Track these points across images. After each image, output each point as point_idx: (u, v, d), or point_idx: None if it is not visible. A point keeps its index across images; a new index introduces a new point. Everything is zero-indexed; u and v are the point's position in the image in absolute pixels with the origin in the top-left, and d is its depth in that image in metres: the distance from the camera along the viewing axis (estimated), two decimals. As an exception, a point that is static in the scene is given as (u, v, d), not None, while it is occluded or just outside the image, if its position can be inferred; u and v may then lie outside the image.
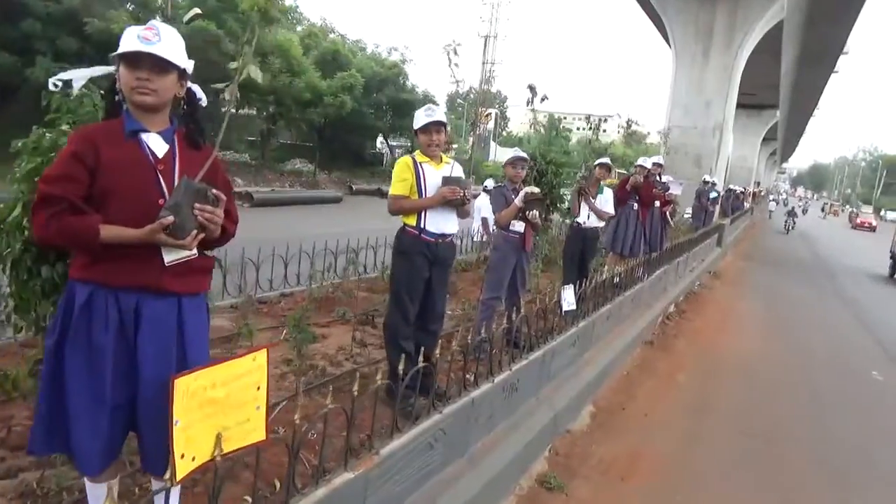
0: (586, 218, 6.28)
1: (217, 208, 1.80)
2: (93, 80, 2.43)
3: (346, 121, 28.22)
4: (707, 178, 15.09)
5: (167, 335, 1.82)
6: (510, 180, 4.78)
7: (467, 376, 3.34)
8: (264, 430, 1.82)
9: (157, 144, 1.85)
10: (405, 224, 3.57)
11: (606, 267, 6.98)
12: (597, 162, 6.51)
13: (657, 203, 8.08)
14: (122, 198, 1.76)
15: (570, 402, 4.53)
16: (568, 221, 6.45)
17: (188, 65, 1.92)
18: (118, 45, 1.75)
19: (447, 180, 3.50)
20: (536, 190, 4.59)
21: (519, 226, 4.59)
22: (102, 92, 2.17)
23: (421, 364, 2.68)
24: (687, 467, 4.22)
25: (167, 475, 1.57)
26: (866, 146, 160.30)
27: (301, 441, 1.97)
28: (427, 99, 37.15)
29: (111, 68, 1.92)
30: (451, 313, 5.51)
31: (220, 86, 1.84)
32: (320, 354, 4.04)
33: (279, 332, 4.32)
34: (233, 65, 1.79)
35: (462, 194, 3.49)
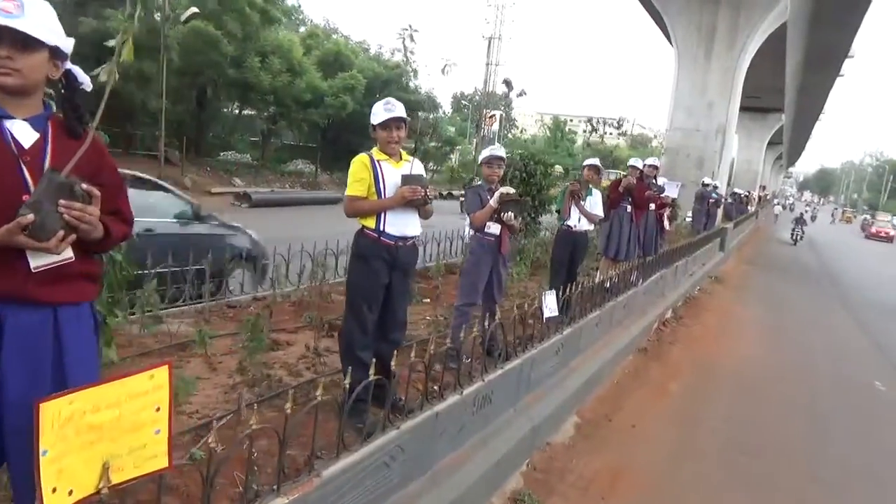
0: (576, 221, 6.06)
1: (90, 205, 1.57)
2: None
3: (349, 122, 28.07)
4: (707, 180, 14.82)
5: (39, 352, 1.59)
6: (486, 180, 4.55)
7: (434, 387, 3.15)
8: (167, 456, 1.61)
9: (23, 133, 1.63)
10: (363, 226, 3.34)
11: (599, 271, 6.77)
12: (585, 163, 6.28)
13: (652, 206, 7.85)
14: None
15: (552, 414, 4.31)
16: (557, 224, 6.21)
17: (64, 42, 1.71)
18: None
19: (407, 179, 3.28)
20: (512, 191, 4.36)
21: (494, 228, 4.36)
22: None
23: (373, 377, 2.47)
24: (672, 485, 3.99)
25: (38, 512, 1.36)
26: (873, 151, 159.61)
27: (220, 466, 1.76)
28: (430, 100, 37.08)
29: None
30: (432, 319, 5.30)
31: (99, 70, 1.62)
32: (280, 363, 3.82)
33: (242, 338, 4.12)
34: (111, 42, 1.59)
35: (423, 193, 3.27)
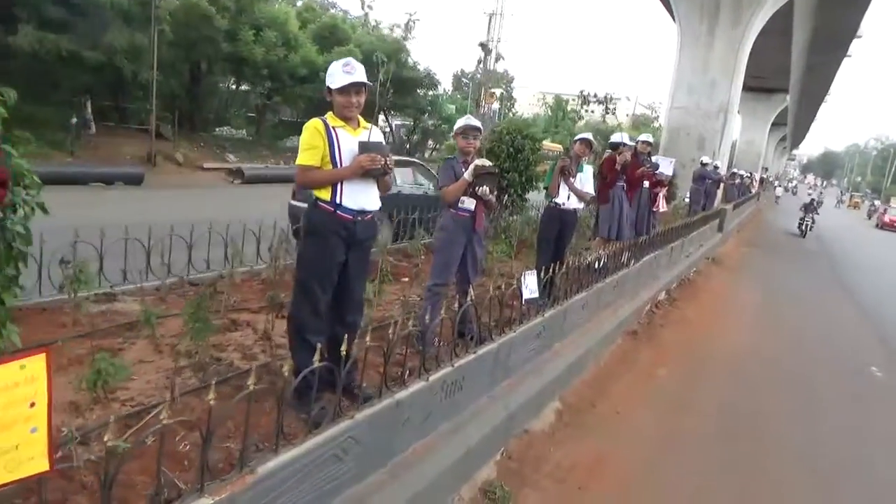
0: (566, 199, 5.80)
1: None
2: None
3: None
4: (705, 159, 14.49)
5: None
6: (461, 152, 4.28)
7: (399, 372, 2.94)
8: (46, 457, 1.40)
9: None
10: (317, 199, 3.03)
11: (591, 251, 6.54)
12: (577, 137, 6.00)
13: (646, 184, 7.58)
14: None
15: (532, 400, 4.11)
16: (545, 201, 5.94)
17: None
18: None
19: (365, 147, 3.00)
20: (488, 163, 4.09)
21: (469, 203, 4.10)
22: None
23: (318, 363, 2.26)
24: (654, 475, 3.80)
25: None
26: (878, 134, 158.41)
27: (118, 467, 1.55)
28: (429, 77, 36.47)
29: None
30: (406, 299, 5.06)
31: None
32: (235, 345, 3.61)
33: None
34: None
35: (383, 163, 3.01)
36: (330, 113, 3.11)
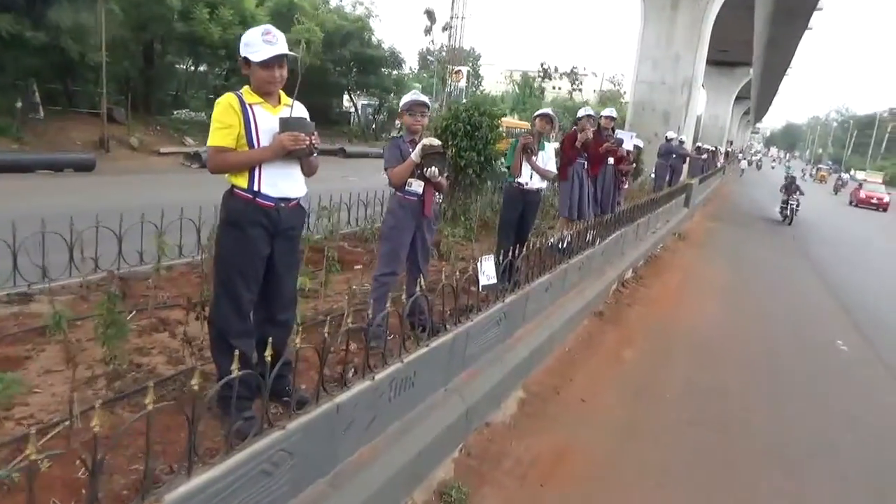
0: (528, 178, 5.57)
1: None
2: None
3: (309, 78, 26.77)
4: (671, 134, 14.41)
5: None
6: (408, 130, 3.98)
7: (341, 372, 2.70)
8: None
9: None
10: (233, 185, 2.70)
11: (555, 232, 6.34)
12: (536, 113, 5.75)
13: (611, 160, 7.38)
14: None
15: (492, 392, 3.90)
16: (508, 181, 5.68)
17: None
18: None
19: (286, 124, 2.68)
20: (436, 142, 3.79)
21: (417, 186, 3.82)
22: None
23: (236, 374, 2.00)
24: (618, 468, 3.64)
25: None
26: (838, 106, 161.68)
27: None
28: (393, 55, 35.79)
29: None
30: (352, 289, 4.78)
31: None
32: (161, 347, 3.31)
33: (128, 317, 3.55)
34: None
35: (308, 142, 2.69)
36: (246, 87, 2.77)
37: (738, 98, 49.26)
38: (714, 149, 28.23)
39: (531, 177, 5.62)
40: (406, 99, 4.01)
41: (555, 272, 5.20)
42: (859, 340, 7.10)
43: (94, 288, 4.06)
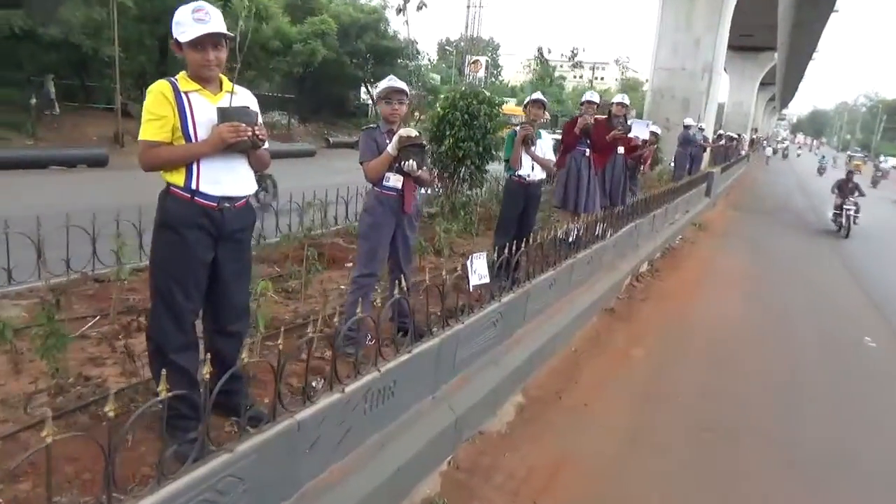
0: (529, 170, 5.28)
1: None
2: None
3: (325, 71, 26.83)
4: (689, 121, 13.92)
5: None
6: (386, 120, 3.69)
7: (305, 385, 2.47)
8: None
9: None
10: (169, 184, 2.45)
11: (558, 224, 6.04)
12: (528, 98, 5.42)
13: (621, 149, 7.03)
14: None
15: (486, 399, 3.65)
16: (506, 175, 5.39)
17: None
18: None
19: (226, 114, 2.39)
20: (414, 133, 3.51)
21: (395, 180, 3.54)
22: None
23: (165, 393, 1.77)
24: (621, 482, 3.36)
25: None
26: (867, 91, 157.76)
27: None
28: (411, 46, 35.44)
29: None
30: (326, 291, 4.52)
31: None
32: (116, 357, 3.09)
33: (87, 324, 3.33)
34: None
35: (251, 133, 2.41)
36: (182, 73, 2.51)
37: (762, 84, 48.11)
38: (738, 136, 27.53)
39: (532, 168, 5.34)
40: (382, 85, 3.71)
41: (560, 268, 4.93)
42: (890, 337, 6.71)
43: (61, 291, 3.86)
